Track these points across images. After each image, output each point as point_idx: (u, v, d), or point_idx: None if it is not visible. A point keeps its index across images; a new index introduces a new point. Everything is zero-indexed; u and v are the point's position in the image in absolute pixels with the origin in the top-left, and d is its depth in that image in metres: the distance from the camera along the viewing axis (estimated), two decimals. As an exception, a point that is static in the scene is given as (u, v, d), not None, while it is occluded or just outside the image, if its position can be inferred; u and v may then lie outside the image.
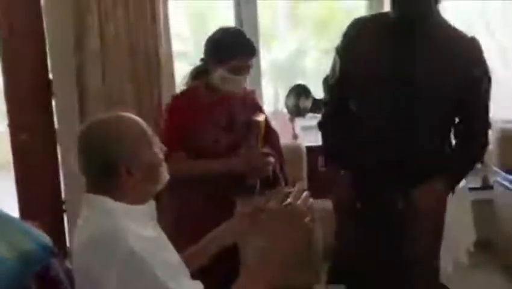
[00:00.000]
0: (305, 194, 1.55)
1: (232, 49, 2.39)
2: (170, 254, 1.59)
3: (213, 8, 4.15)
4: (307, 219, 1.50)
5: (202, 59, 2.57)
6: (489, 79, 2.34)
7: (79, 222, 1.58)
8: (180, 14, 4.05)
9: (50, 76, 3.35)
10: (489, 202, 3.36)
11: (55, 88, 3.36)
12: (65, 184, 3.47)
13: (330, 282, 2.67)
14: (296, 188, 1.57)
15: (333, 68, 2.51)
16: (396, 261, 2.42)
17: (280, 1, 4.17)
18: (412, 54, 2.25)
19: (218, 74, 2.42)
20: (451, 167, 2.38)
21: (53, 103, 3.39)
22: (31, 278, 1.58)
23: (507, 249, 3.22)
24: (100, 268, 1.45)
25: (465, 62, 2.25)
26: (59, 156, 3.45)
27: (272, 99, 4.11)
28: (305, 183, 3.37)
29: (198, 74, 2.57)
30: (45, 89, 3.35)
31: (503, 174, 3.23)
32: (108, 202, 1.54)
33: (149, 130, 1.62)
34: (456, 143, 2.43)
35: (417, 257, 2.42)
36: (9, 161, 3.37)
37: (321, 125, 2.66)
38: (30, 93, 3.31)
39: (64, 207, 3.47)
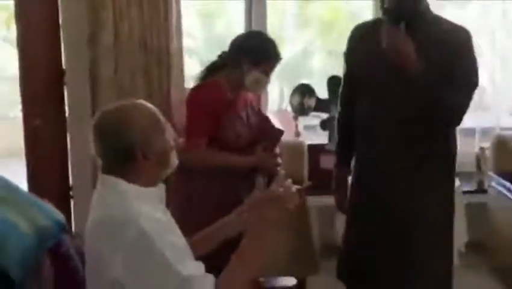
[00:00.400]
0: (287, 181, 1.74)
1: (268, 53, 2.57)
2: (177, 237, 1.68)
3: (222, 8, 4.25)
4: (287, 202, 1.69)
5: (220, 56, 2.70)
6: (477, 70, 2.36)
7: (93, 201, 1.69)
8: (190, 13, 4.16)
9: (64, 67, 3.48)
10: (483, 205, 3.45)
11: (67, 79, 3.48)
12: (72, 171, 3.60)
13: (338, 276, 2.71)
14: (278, 177, 1.78)
15: (342, 74, 2.64)
16: (401, 261, 2.46)
17: (288, 2, 4.26)
18: None
19: (253, 75, 2.56)
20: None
21: (66, 93, 3.51)
22: (45, 252, 1.69)
23: (499, 251, 3.32)
24: (109, 250, 1.56)
25: (458, 45, 2.32)
26: (68, 144, 3.58)
27: (277, 97, 4.20)
28: (305, 180, 3.46)
29: (215, 69, 2.69)
30: (58, 79, 3.48)
31: (498, 178, 3.32)
32: (122, 184, 1.64)
33: (162, 118, 1.73)
34: None
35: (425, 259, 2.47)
36: (22, 148, 3.50)
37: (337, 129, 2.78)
38: (44, 82, 3.43)
39: (71, 193, 3.58)
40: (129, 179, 1.65)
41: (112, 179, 1.66)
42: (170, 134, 1.74)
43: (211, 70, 2.71)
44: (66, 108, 3.54)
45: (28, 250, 1.63)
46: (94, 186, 3.21)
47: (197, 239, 1.89)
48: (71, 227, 3.34)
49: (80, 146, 3.52)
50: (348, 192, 2.68)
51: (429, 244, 2.44)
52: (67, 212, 3.55)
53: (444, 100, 2.28)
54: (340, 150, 2.74)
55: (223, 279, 1.60)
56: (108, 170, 1.68)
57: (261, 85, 2.62)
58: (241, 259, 1.63)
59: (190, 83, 3.59)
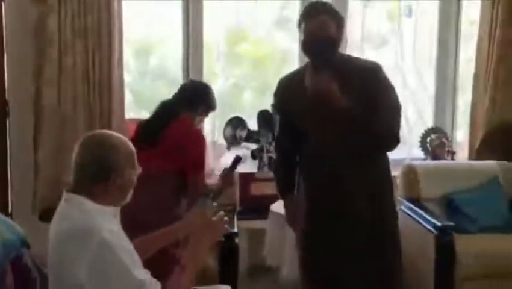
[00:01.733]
0: (220, 212, 2.07)
1: (215, 104, 3.20)
2: (130, 246, 1.89)
3: (159, 43, 4.51)
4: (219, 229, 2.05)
5: (175, 97, 3.15)
6: (397, 96, 2.60)
7: (57, 216, 1.88)
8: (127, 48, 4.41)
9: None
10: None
11: (11, 109, 3.66)
12: (12, 199, 3.74)
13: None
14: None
15: (279, 123, 2.89)
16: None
17: (220, 40, 4.57)
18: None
19: (203, 117, 3.20)
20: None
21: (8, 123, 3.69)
22: (8, 263, 1.89)
23: (408, 271, 3.65)
24: (74, 258, 1.75)
25: (369, 82, 2.54)
26: (9, 173, 3.73)
27: (211, 130, 4.45)
28: (237, 205, 3.74)
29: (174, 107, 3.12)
30: (1, 110, 3.64)
31: (406, 203, 3.70)
32: (86, 203, 1.85)
33: (136, 156, 1.96)
34: None
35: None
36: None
37: (274, 170, 3.04)
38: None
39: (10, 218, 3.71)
40: (94, 199, 1.86)
41: (78, 198, 1.85)
42: (136, 173, 1.96)
43: (171, 108, 3.09)
44: (7, 138, 3.70)
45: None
46: (33, 214, 3.42)
47: (140, 243, 2.08)
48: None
49: (21, 175, 3.69)
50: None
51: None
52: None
53: (376, 127, 2.49)
54: (283, 185, 2.92)
55: (170, 284, 1.86)
56: (76, 188, 1.87)
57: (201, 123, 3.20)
58: (183, 272, 1.90)
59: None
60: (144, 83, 4.60)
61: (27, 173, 3.63)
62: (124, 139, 1.94)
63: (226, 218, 2.07)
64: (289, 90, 2.70)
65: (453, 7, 4.33)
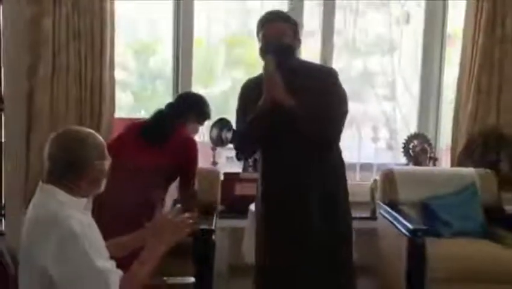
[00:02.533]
0: (186, 214, 2.17)
1: (209, 115, 3.40)
2: (98, 239, 2.02)
3: (159, 44, 4.66)
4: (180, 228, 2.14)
5: (170, 106, 3.31)
6: (345, 101, 2.73)
7: (31, 205, 2.01)
8: (127, 50, 4.56)
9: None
10: (374, 231, 3.93)
11: (6, 106, 3.81)
12: (5, 193, 3.90)
13: None
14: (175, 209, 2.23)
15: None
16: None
17: (220, 44, 4.70)
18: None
19: (195, 126, 3.36)
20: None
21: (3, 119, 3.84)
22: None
23: (386, 273, 3.78)
24: (42, 242, 1.88)
25: (324, 83, 2.69)
26: (3, 167, 3.88)
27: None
28: (218, 203, 3.86)
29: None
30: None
31: (385, 207, 3.81)
32: (60, 194, 1.97)
33: (106, 149, 2.08)
34: None
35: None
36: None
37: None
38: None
39: (3, 212, 3.86)
40: (67, 190, 1.98)
41: (51, 188, 1.98)
42: (108, 164, 2.07)
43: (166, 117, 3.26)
44: (2, 133, 3.86)
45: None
46: (24, 209, 3.56)
47: (114, 244, 2.23)
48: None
49: (13, 170, 3.83)
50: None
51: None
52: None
53: (315, 130, 2.64)
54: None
55: (126, 276, 1.98)
56: (51, 179, 1.99)
57: (196, 133, 3.39)
58: (141, 265, 2.03)
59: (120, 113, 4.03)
60: (144, 83, 4.74)
61: (19, 169, 3.79)
62: (90, 132, 2.05)
63: (190, 218, 2.16)
64: (250, 93, 2.81)
65: (439, 14, 4.43)
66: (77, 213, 1.96)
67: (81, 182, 2.00)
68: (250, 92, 2.82)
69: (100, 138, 2.07)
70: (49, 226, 1.90)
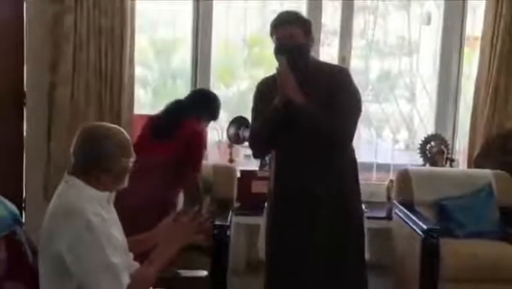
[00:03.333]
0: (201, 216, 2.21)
1: (218, 114, 3.53)
2: (117, 234, 2.08)
3: (177, 43, 4.72)
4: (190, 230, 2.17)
5: (183, 102, 3.42)
6: (357, 100, 2.77)
7: (55, 195, 2.06)
8: (149, 48, 4.63)
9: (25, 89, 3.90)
10: (389, 231, 3.95)
11: (28, 100, 3.90)
12: (26, 186, 3.98)
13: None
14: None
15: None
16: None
17: (238, 42, 4.74)
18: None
19: (205, 124, 3.45)
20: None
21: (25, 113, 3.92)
22: (1, 239, 2.08)
23: (400, 272, 3.79)
24: (59, 230, 1.93)
25: (336, 82, 2.73)
26: (24, 161, 3.97)
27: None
28: (234, 201, 3.90)
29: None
30: (19, 100, 3.88)
31: (400, 207, 3.82)
32: (82, 186, 2.02)
33: (131, 145, 2.13)
34: None
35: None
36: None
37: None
38: (6, 101, 3.82)
39: (23, 204, 3.94)
40: (88, 182, 2.03)
41: (75, 180, 2.03)
42: (132, 160, 2.12)
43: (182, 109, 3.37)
44: (24, 127, 3.94)
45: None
46: (44, 200, 3.64)
47: (133, 240, 2.29)
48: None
49: (34, 163, 3.93)
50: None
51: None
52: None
53: (327, 128, 2.68)
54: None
55: (134, 275, 2.04)
56: (75, 171, 2.05)
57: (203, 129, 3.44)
58: (149, 264, 2.08)
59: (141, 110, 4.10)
60: (165, 81, 4.81)
61: (40, 161, 3.87)
62: (118, 129, 2.12)
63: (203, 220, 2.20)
64: (266, 91, 2.86)
65: (458, 16, 4.41)
66: (97, 207, 2.01)
67: (105, 177, 2.05)
68: (266, 90, 2.86)
69: (127, 135, 2.12)
70: (68, 216, 1.95)
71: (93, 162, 2.04)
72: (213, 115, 3.50)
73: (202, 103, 3.44)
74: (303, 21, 2.80)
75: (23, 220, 3.87)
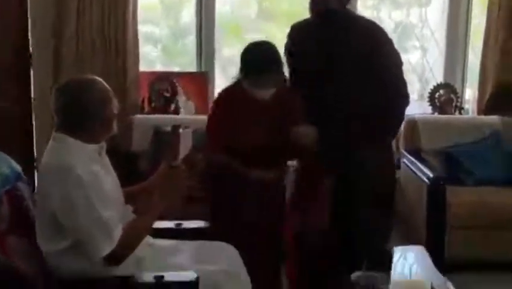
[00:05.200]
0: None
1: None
2: (108, 187, 2.08)
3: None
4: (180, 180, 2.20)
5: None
6: (396, 54, 2.80)
7: (45, 152, 2.08)
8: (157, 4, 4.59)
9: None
10: (397, 180, 3.91)
11: (34, 61, 3.90)
12: (37, 148, 4.01)
13: None
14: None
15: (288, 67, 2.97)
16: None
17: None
18: (331, 41, 2.74)
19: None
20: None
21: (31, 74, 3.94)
22: (3, 194, 2.12)
23: (409, 221, 3.79)
24: (51, 188, 1.97)
25: (371, 38, 2.74)
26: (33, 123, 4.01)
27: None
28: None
29: None
30: (26, 61, 3.88)
31: (408, 156, 3.81)
32: (69, 140, 2.03)
33: (111, 92, 2.13)
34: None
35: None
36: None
37: None
38: (12, 64, 3.84)
39: (35, 164, 4.00)
40: (75, 136, 2.04)
41: (62, 136, 2.05)
42: (115, 106, 2.13)
43: None
44: (32, 90, 3.96)
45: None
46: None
47: (134, 190, 2.35)
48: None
49: (43, 124, 3.95)
50: None
51: None
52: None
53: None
54: None
55: (125, 228, 2.06)
56: (60, 127, 2.06)
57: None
58: (141, 216, 2.15)
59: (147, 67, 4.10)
60: (175, 38, 4.77)
61: (48, 124, 3.89)
62: (97, 79, 2.11)
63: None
64: (299, 35, 2.92)
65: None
66: (87, 161, 2.02)
67: (90, 126, 2.06)
68: (295, 35, 2.92)
69: (104, 82, 2.11)
70: (58, 173, 1.98)
71: (78, 115, 2.04)
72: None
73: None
74: None
75: (35, 180, 3.97)
